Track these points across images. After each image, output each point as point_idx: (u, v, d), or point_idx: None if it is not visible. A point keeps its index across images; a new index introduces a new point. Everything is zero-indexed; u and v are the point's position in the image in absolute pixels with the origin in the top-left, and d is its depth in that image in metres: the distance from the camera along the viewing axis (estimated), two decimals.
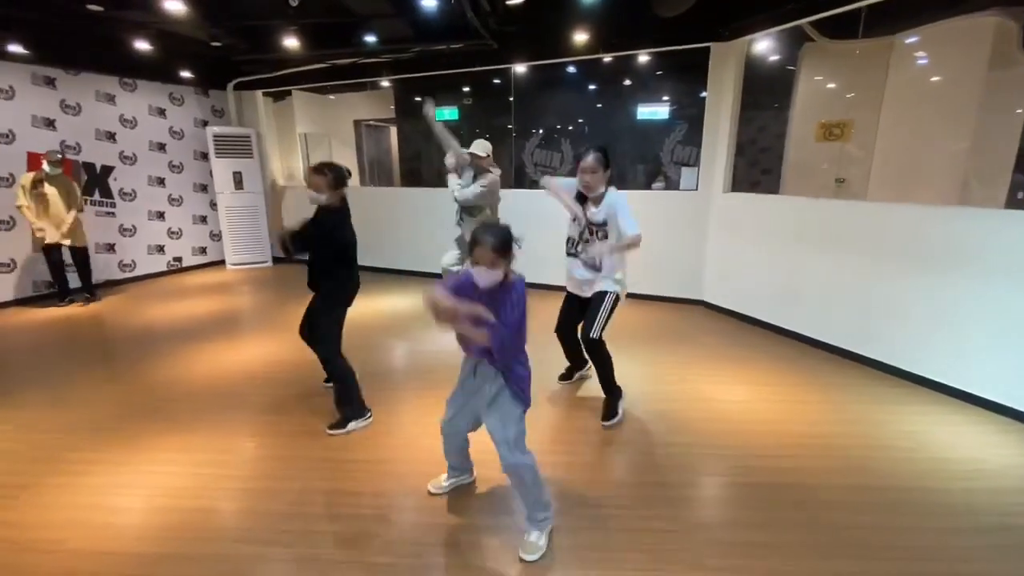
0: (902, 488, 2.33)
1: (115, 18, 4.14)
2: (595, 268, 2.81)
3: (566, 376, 3.41)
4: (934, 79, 4.46)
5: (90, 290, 5.44)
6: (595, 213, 2.72)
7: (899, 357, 3.44)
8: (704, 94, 6.41)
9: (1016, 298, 2.86)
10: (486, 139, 4.06)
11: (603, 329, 2.77)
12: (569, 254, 2.90)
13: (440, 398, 3.10)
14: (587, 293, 2.87)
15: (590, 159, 2.65)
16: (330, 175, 2.69)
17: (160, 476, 2.41)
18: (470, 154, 4.05)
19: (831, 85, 5.39)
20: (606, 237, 2.74)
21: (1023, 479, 2.38)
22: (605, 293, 2.78)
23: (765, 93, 5.77)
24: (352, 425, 2.80)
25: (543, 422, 2.90)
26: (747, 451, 2.61)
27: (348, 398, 2.83)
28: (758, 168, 6.44)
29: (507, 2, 4.47)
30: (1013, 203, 3.94)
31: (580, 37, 4.77)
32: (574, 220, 2.84)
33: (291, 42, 4.59)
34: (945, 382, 3.19)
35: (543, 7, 4.64)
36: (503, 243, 1.74)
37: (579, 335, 2.86)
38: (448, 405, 2.12)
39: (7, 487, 2.33)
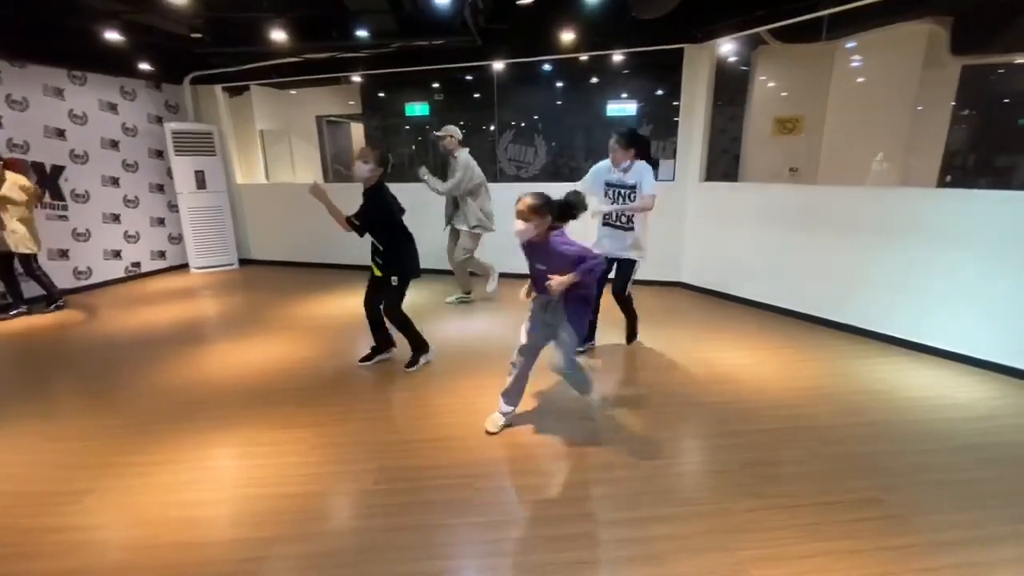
0: (893, 421, 2.77)
1: (97, 9, 3.87)
2: (627, 229, 3.44)
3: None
4: (874, 78, 5.10)
5: (51, 298, 4.99)
6: (627, 177, 3.39)
7: (865, 319, 3.98)
8: (659, 92, 6.91)
9: (958, 261, 3.44)
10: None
11: (630, 288, 3.63)
12: (606, 224, 3.52)
13: (477, 381, 3.32)
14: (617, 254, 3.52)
15: (611, 141, 3.36)
16: (379, 150, 3.08)
17: (225, 470, 2.41)
18: (437, 136, 4.51)
19: (781, 84, 5.98)
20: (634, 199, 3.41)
21: (989, 408, 2.90)
22: (632, 262, 3.52)
23: (722, 92, 6.31)
24: (423, 359, 3.49)
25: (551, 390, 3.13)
26: (760, 403, 2.97)
27: (415, 342, 3.45)
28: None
29: (518, 1, 4.68)
30: (942, 185, 4.63)
31: (564, 36, 5.01)
32: (606, 195, 3.48)
33: (277, 35, 4.49)
34: (907, 337, 3.75)
35: (544, 6, 4.86)
36: (541, 202, 2.34)
37: (612, 293, 3.63)
38: (526, 333, 2.64)
39: (65, 494, 2.24)
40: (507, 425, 2.71)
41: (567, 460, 2.45)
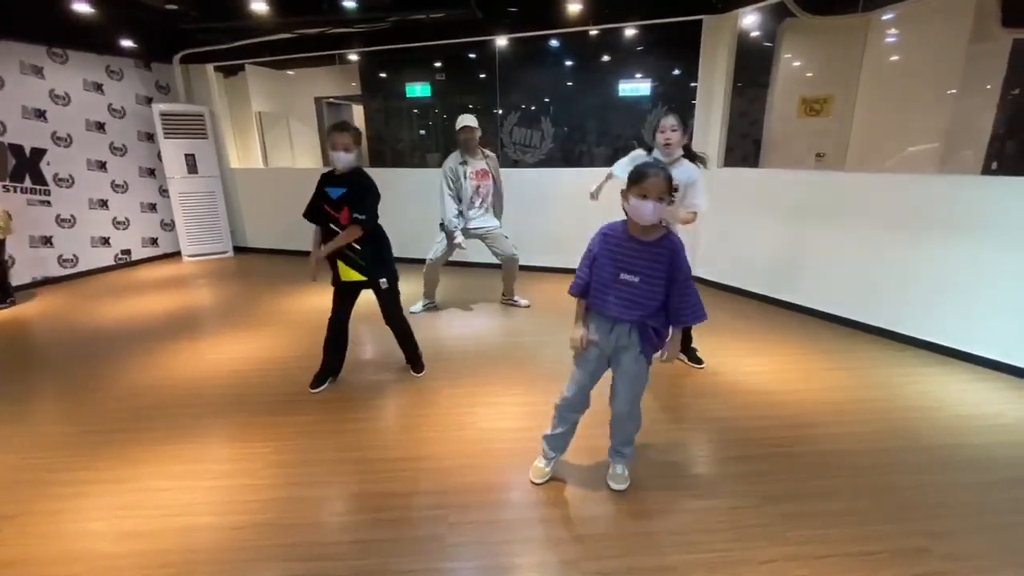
0: (939, 446, 2.40)
1: None
2: None
3: None
4: (913, 54, 4.61)
5: (6, 293, 4.66)
6: (673, 173, 2.76)
7: (902, 323, 3.57)
8: (675, 71, 6.44)
9: (1008, 260, 3.02)
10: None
11: None
12: None
13: (460, 387, 2.99)
14: None
15: (671, 118, 2.79)
16: (355, 131, 2.57)
17: (171, 492, 2.13)
18: (464, 127, 3.90)
19: (808, 61, 5.48)
20: (672, 202, 2.80)
21: None
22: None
23: (743, 70, 5.83)
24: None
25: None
26: (786, 420, 2.62)
27: (416, 352, 3.14)
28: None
29: None
30: (987, 173, 4.16)
31: (570, 6, 4.59)
32: None
33: (258, 5, 4.15)
34: (948, 344, 3.34)
35: None
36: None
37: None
38: (576, 376, 2.03)
39: None
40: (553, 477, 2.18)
41: (553, 489, 2.13)
